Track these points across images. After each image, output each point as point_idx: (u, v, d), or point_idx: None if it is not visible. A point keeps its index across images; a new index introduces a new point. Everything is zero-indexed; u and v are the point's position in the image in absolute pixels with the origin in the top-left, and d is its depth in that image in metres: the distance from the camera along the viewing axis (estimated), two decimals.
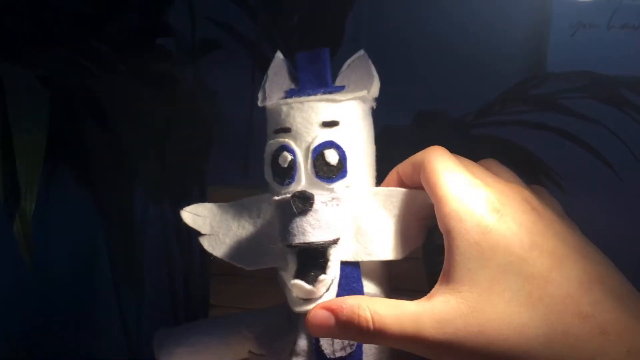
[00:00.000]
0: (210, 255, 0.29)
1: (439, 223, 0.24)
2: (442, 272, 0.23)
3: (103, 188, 0.66)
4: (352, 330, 0.23)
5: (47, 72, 0.59)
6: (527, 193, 0.25)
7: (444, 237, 0.24)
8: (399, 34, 0.70)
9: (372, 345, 0.28)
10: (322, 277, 0.24)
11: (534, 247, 0.22)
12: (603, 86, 0.51)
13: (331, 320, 0.24)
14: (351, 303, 0.24)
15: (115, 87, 0.68)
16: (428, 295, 0.23)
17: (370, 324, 0.23)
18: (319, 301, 0.25)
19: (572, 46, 0.65)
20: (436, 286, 0.23)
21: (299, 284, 0.24)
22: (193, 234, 0.75)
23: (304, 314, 0.28)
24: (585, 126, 0.51)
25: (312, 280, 0.24)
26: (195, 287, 0.74)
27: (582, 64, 0.54)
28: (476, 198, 0.23)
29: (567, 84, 0.52)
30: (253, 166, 0.74)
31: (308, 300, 0.25)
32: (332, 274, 0.25)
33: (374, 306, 0.23)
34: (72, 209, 0.79)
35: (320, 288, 0.25)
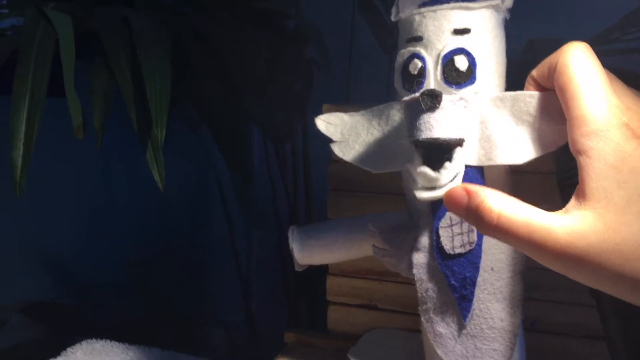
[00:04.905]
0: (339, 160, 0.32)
1: (571, 140, 0.24)
2: (576, 190, 0.23)
3: (219, 125, 0.71)
4: (475, 217, 0.24)
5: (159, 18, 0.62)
6: None
7: (577, 156, 0.23)
8: None
9: (493, 246, 0.29)
10: (447, 164, 0.26)
11: None
12: None
13: (464, 200, 0.24)
14: (486, 193, 0.24)
15: (223, 29, 0.72)
16: (562, 209, 0.23)
17: (494, 218, 0.23)
18: (443, 190, 0.26)
19: None
20: (570, 202, 0.23)
21: (424, 170, 0.26)
22: (298, 170, 0.78)
23: (427, 213, 0.30)
24: None
25: (438, 167, 0.26)
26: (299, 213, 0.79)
27: None
28: (617, 122, 0.23)
29: None
30: (353, 96, 0.76)
31: (432, 188, 0.26)
32: (456, 166, 0.26)
33: (506, 203, 0.24)
34: (185, 144, 0.86)
35: (445, 175, 0.26)
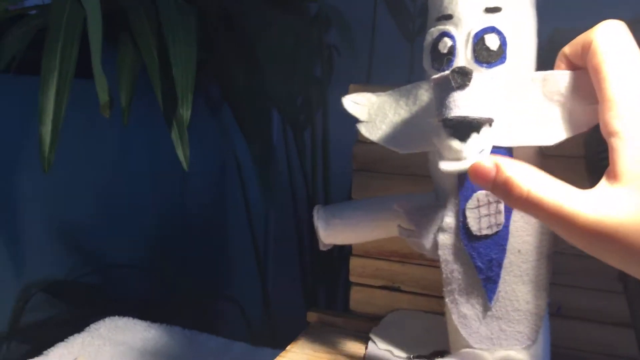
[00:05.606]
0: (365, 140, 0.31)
1: (602, 122, 0.23)
2: (607, 171, 0.23)
3: (242, 106, 0.71)
4: (504, 191, 0.23)
5: None
6: None
7: (608, 138, 0.23)
8: None
9: (520, 228, 0.29)
10: (474, 135, 0.25)
11: None
12: None
13: (492, 173, 0.24)
14: (517, 167, 0.23)
15: (248, 10, 0.71)
16: (593, 188, 0.23)
17: (524, 193, 0.23)
18: (468, 162, 0.25)
19: None
20: (601, 182, 0.23)
21: (450, 142, 0.25)
22: (316, 152, 0.78)
23: (453, 194, 0.30)
24: None
25: (464, 138, 0.25)
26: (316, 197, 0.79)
27: None
28: None
29: None
30: (374, 81, 0.75)
31: (458, 160, 0.25)
32: (484, 139, 0.25)
33: (537, 180, 0.23)
34: (206, 124, 0.87)
35: (472, 146, 0.25)
